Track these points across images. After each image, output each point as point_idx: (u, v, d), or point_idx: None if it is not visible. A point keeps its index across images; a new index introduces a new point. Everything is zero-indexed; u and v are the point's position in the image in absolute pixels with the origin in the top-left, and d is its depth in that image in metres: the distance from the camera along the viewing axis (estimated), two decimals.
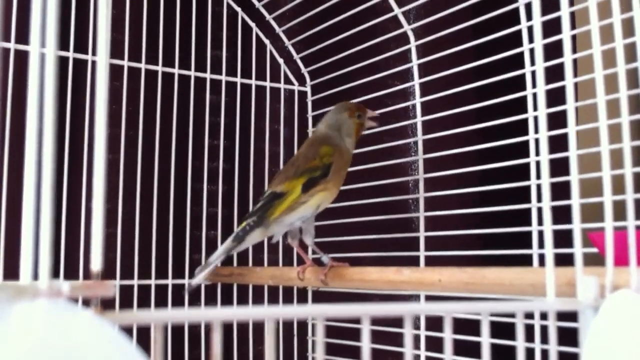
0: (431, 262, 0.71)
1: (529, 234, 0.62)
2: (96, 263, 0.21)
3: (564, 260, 0.38)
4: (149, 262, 0.75)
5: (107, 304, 0.21)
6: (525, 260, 0.62)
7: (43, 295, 0.19)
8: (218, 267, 0.79)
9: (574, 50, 0.63)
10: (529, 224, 0.62)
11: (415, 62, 0.75)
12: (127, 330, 0.64)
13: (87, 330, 0.19)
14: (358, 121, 0.66)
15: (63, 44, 0.72)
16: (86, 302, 0.21)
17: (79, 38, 0.74)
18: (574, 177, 0.35)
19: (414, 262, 0.72)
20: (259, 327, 0.81)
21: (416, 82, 0.75)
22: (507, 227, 0.63)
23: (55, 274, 0.68)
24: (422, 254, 0.71)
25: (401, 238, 0.75)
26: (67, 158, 0.71)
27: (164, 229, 0.77)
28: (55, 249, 0.69)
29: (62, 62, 0.72)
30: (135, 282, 0.74)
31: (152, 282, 0.76)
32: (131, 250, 0.74)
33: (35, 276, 0.20)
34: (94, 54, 0.74)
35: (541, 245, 0.60)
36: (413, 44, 0.75)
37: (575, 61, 0.68)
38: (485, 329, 0.29)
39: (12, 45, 0.69)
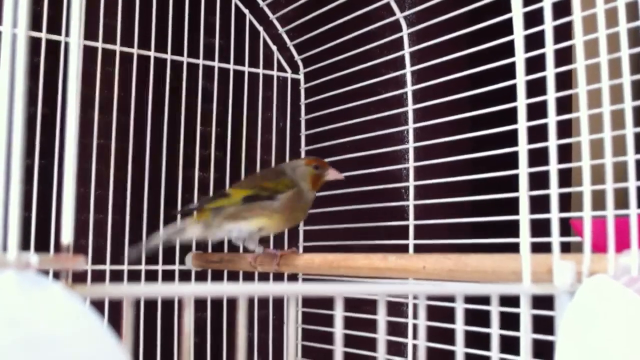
0: (421, 250, 0.71)
1: (518, 223, 0.62)
2: (66, 236, 0.21)
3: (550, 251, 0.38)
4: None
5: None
6: (515, 249, 0.62)
7: (11, 266, 0.19)
8: (209, 253, 0.80)
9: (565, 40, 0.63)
10: (519, 212, 0.62)
11: (407, 50, 0.75)
12: (110, 307, 0.65)
13: (55, 302, 0.19)
14: (315, 172, 0.70)
15: (57, 27, 0.72)
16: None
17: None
18: (553, 167, 0.35)
19: (403, 250, 0.72)
20: (250, 312, 0.81)
21: (408, 70, 0.75)
22: (497, 216, 0.63)
23: (46, 249, 0.69)
24: (411, 242, 0.71)
25: (391, 226, 0.75)
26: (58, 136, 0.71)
27: (155, 215, 0.77)
28: (45, 226, 0.69)
29: (56, 45, 0.72)
30: (125, 267, 0.75)
31: (142, 267, 0.76)
32: (122, 236, 0.74)
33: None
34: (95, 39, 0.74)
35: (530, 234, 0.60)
36: (405, 32, 0.75)
37: (570, 52, 0.67)
38: (460, 311, 0.29)
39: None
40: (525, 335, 0.33)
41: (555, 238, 0.33)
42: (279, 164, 0.78)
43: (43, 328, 0.18)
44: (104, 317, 0.65)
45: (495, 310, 0.30)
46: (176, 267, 0.79)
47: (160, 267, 0.77)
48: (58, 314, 0.19)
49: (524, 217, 0.32)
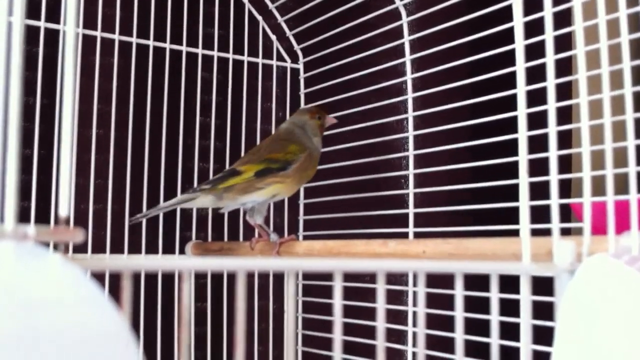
0: (421, 238, 0.71)
1: (518, 210, 0.62)
2: (64, 209, 0.21)
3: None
4: (139, 238, 0.75)
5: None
6: (515, 236, 0.62)
7: (8, 237, 0.19)
8: (209, 242, 0.80)
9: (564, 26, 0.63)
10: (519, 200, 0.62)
11: (406, 38, 0.75)
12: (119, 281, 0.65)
13: (53, 271, 0.19)
14: (319, 122, 0.73)
15: (56, 16, 0.72)
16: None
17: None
18: (553, 154, 0.35)
19: (403, 238, 0.72)
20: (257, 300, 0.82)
21: (407, 58, 0.75)
22: (498, 203, 0.63)
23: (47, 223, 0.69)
24: (411, 230, 0.72)
25: (391, 215, 0.75)
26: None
27: (155, 205, 0.77)
28: (44, 215, 0.69)
29: (55, 34, 0.72)
30: (125, 257, 0.75)
31: (142, 256, 0.76)
32: (121, 226, 0.74)
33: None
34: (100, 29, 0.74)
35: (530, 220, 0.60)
36: (405, 20, 0.75)
37: (570, 38, 0.67)
38: (459, 288, 0.29)
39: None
40: (525, 317, 0.33)
41: (555, 220, 0.33)
42: (280, 126, 0.76)
43: (41, 294, 0.18)
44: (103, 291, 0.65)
45: (495, 290, 0.30)
46: (176, 256, 0.79)
47: (160, 257, 0.77)
48: (56, 281, 0.19)
49: (524, 196, 0.32)
